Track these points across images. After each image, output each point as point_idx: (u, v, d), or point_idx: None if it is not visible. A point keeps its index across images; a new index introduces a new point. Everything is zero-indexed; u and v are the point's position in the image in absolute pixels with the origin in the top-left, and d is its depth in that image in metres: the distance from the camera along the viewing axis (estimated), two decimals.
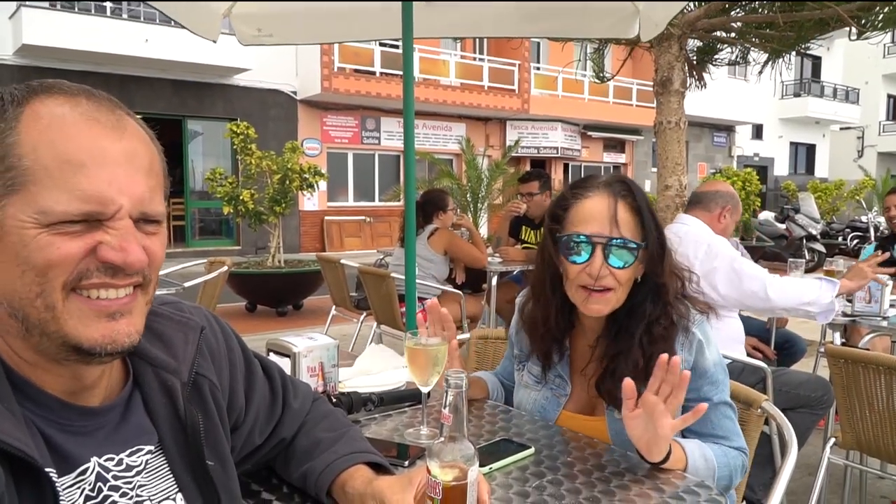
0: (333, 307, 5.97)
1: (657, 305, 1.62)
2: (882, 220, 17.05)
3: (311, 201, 17.04)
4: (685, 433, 1.60)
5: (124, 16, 14.57)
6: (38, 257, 0.81)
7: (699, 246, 3.10)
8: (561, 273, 1.65)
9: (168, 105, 15.87)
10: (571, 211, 1.64)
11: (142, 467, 0.96)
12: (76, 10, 13.99)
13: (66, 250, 0.82)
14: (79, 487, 0.89)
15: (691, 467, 1.45)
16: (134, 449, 0.96)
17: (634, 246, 1.57)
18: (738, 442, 1.61)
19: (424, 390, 1.58)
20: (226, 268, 5.04)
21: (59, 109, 0.84)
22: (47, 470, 0.81)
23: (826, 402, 3.03)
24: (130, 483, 0.94)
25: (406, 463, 1.41)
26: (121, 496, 0.92)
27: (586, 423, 1.69)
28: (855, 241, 16.54)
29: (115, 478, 0.92)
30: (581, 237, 1.59)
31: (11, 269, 0.82)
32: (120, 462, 0.94)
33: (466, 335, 2.49)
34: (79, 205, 0.82)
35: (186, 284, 4.50)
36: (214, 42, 3.93)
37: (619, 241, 1.57)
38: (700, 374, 1.60)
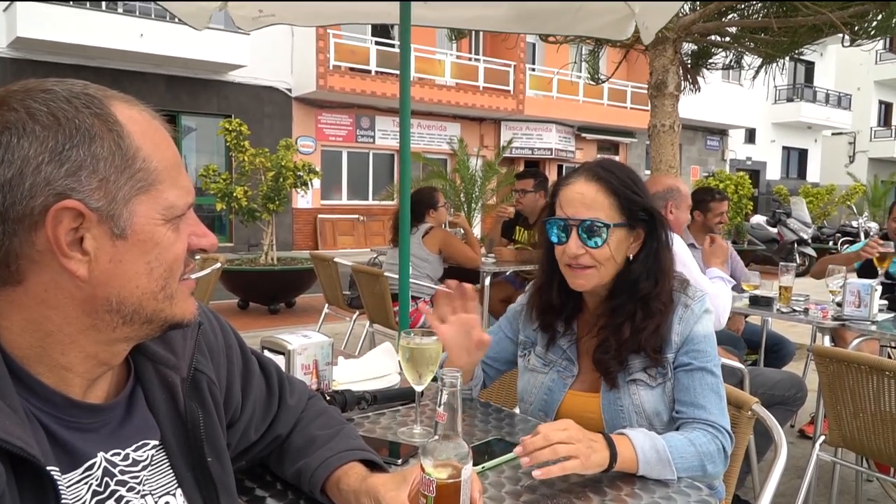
0: (326, 305, 5.95)
1: (654, 283, 1.68)
2: (872, 225, 17.15)
3: (304, 199, 17.00)
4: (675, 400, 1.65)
5: (119, 10, 14.53)
6: (168, 255, 0.89)
7: None
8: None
9: (162, 100, 15.76)
10: (558, 198, 1.73)
11: (148, 461, 0.97)
12: (71, 3, 13.92)
13: (182, 245, 0.91)
14: (86, 483, 0.89)
15: (642, 462, 1.41)
16: (139, 444, 0.97)
17: (604, 226, 1.64)
18: (717, 418, 1.58)
19: (418, 389, 1.59)
20: (219, 265, 5.02)
21: (139, 115, 0.88)
22: (49, 468, 0.81)
23: (799, 398, 3.18)
24: (137, 478, 0.95)
25: (399, 461, 1.42)
26: (128, 490, 0.93)
27: (588, 401, 1.74)
28: (845, 246, 16.59)
29: (122, 472, 0.93)
30: (559, 221, 1.69)
31: (136, 267, 0.86)
32: (126, 457, 0.94)
33: None
34: (186, 198, 0.91)
35: None
36: (198, 30, 3.91)
37: (587, 222, 1.65)
38: (687, 341, 1.66)
